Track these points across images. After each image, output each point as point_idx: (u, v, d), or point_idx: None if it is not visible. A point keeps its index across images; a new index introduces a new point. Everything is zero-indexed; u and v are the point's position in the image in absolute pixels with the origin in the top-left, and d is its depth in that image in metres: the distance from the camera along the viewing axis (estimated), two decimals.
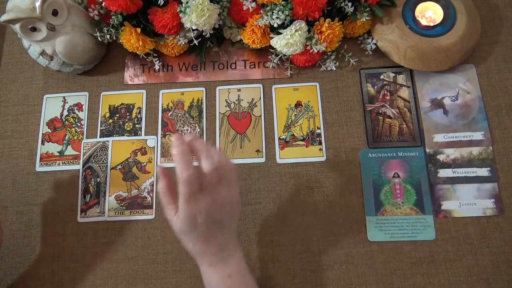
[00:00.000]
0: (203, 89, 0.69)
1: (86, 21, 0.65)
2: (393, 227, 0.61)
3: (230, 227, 0.52)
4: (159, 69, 0.70)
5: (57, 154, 0.67)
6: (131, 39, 0.64)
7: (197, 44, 0.66)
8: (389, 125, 0.66)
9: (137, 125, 0.68)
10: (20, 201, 0.65)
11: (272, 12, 0.62)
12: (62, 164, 0.66)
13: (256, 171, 0.65)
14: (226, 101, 0.69)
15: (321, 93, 0.68)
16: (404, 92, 0.67)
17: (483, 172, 0.63)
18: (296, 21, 0.62)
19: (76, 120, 0.69)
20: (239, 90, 0.69)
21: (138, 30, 0.64)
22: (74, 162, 0.66)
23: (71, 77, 0.71)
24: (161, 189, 0.49)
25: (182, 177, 0.46)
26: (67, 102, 0.70)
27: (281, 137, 0.66)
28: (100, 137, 0.67)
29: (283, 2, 0.61)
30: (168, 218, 0.49)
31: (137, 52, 0.66)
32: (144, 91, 0.70)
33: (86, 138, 0.68)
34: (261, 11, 0.63)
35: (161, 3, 0.62)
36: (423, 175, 0.63)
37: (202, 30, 0.65)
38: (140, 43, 0.64)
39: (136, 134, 0.67)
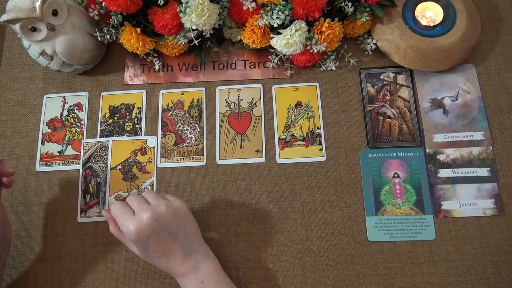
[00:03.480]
0: (203, 89, 0.69)
1: (86, 21, 0.65)
2: (393, 227, 0.61)
3: (184, 234, 0.53)
4: (159, 69, 0.70)
5: (57, 154, 0.67)
6: (131, 39, 0.64)
7: (197, 44, 0.66)
8: (389, 125, 0.66)
9: (137, 125, 0.68)
10: (20, 201, 0.65)
11: (272, 12, 0.62)
12: (62, 164, 0.66)
13: (256, 171, 0.65)
14: (226, 101, 0.69)
15: (321, 93, 0.68)
16: (404, 92, 0.67)
17: (483, 172, 0.63)
18: (296, 21, 0.62)
19: (76, 120, 0.69)
20: (239, 90, 0.69)
21: (138, 30, 0.64)
22: (74, 162, 0.66)
23: (71, 77, 0.71)
24: (112, 231, 0.54)
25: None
26: (67, 102, 0.70)
27: (281, 137, 0.66)
28: (100, 137, 0.67)
29: (283, 2, 0.61)
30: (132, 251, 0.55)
31: (137, 52, 0.66)
32: (144, 91, 0.70)
33: (86, 138, 0.68)
34: (261, 11, 0.63)
35: (161, 3, 0.62)
36: (423, 175, 0.63)
37: (202, 30, 0.65)
38: (140, 43, 0.64)
39: (136, 134, 0.67)
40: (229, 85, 0.70)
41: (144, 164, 0.66)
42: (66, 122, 0.69)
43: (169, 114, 0.68)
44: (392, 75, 0.68)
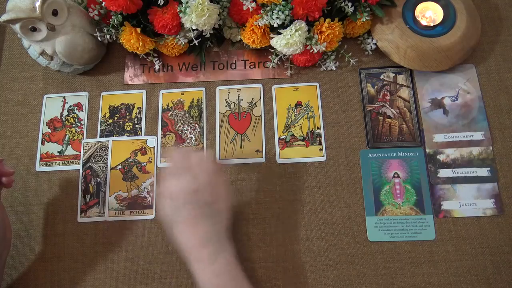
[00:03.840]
0: (203, 89, 0.69)
1: (86, 21, 0.65)
2: (393, 227, 0.61)
3: (217, 218, 0.53)
4: (159, 69, 0.70)
5: (57, 154, 0.67)
6: (131, 39, 0.64)
7: (197, 44, 0.66)
8: (389, 125, 0.66)
9: (137, 125, 0.68)
10: (20, 201, 0.65)
11: (272, 12, 0.62)
12: (62, 164, 0.66)
13: (256, 171, 0.65)
14: (226, 101, 0.69)
15: (321, 93, 0.68)
16: (404, 92, 0.67)
17: (483, 172, 0.63)
18: (296, 21, 0.62)
19: (76, 120, 0.69)
20: (239, 90, 0.69)
21: (138, 30, 0.64)
22: (74, 162, 0.66)
23: (71, 77, 0.71)
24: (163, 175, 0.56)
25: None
26: (67, 102, 0.70)
27: (281, 137, 0.66)
28: (100, 137, 0.67)
29: (283, 2, 0.61)
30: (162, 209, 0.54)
31: (137, 52, 0.66)
32: (144, 91, 0.70)
33: (86, 138, 0.68)
34: (261, 11, 0.63)
35: (161, 3, 0.62)
36: (423, 175, 0.63)
37: (202, 30, 0.65)
38: (140, 43, 0.64)
39: (136, 134, 0.67)
40: (229, 85, 0.70)
41: (144, 164, 0.66)
42: (66, 122, 0.69)
43: (169, 114, 0.68)
44: (392, 75, 0.68)
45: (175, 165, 0.54)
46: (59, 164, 0.66)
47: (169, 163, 0.54)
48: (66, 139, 0.68)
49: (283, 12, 0.61)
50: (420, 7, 0.65)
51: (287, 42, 0.62)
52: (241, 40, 0.69)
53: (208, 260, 0.52)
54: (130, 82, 0.70)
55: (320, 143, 0.65)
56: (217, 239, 0.53)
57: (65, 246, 0.62)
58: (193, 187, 0.52)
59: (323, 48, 0.64)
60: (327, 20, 0.63)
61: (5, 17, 0.58)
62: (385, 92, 0.67)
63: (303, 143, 0.66)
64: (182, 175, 0.53)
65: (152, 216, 0.63)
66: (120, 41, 0.66)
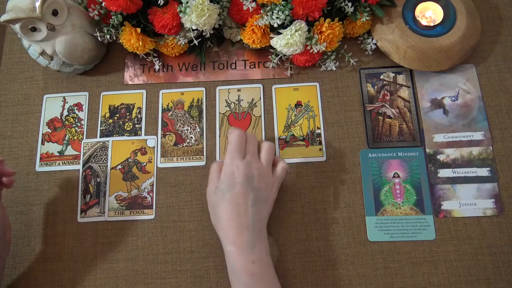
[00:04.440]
0: (203, 89, 0.69)
1: (86, 21, 0.65)
2: (393, 227, 0.61)
3: (261, 207, 0.55)
4: (159, 69, 0.70)
5: (57, 154, 0.67)
6: (131, 39, 0.64)
7: (197, 44, 0.66)
8: (389, 125, 0.66)
9: (137, 125, 0.68)
10: (20, 201, 0.65)
11: (272, 12, 0.62)
12: (62, 164, 0.66)
13: None
14: (226, 101, 0.69)
15: (321, 93, 0.68)
16: (404, 92, 0.67)
17: (483, 172, 0.63)
18: (296, 21, 0.62)
19: (76, 120, 0.69)
20: (239, 90, 0.69)
21: (138, 30, 0.64)
22: (74, 162, 0.66)
23: (71, 77, 0.71)
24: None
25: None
26: (67, 102, 0.70)
27: (281, 137, 0.66)
28: (100, 137, 0.67)
29: (283, 2, 0.61)
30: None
31: (137, 52, 0.66)
32: (144, 91, 0.70)
33: (86, 138, 0.68)
34: (261, 11, 0.63)
35: (161, 3, 0.62)
36: (423, 175, 0.63)
37: (202, 30, 0.65)
38: (140, 43, 0.64)
39: (136, 134, 0.67)
40: (229, 85, 0.70)
41: (144, 164, 0.66)
42: (66, 122, 0.69)
43: (169, 114, 0.68)
44: (392, 75, 0.68)
45: (238, 146, 0.56)
46: (59, 164, 0.66)
47: (231, 142, 0.56)
48: (66, 139, 0.68)
49: (283, 12, 0.61)
50: (420, 7, 0.66)
51: (287, 42, 0.62)
52: (241, 40, 0.69)
53: (247, 245, 0.52)
54: (130, 82, 0.70)
55: (320, 143, 0.65)
56: (255, 227, 0.54)
57: (65, 246, 0.62)
58: (251, 172, 0.54)
59: (323, 48, 0.64)
60: (327, 20, 0.63)
61: (5, 17, 0.58)
62: (385, 92, 0.68)
63: (303, 143, 0.66)
64: (245, 159, 0.55)
65: (152, 216, 0.63)
66: (120, 41, 0.66)
